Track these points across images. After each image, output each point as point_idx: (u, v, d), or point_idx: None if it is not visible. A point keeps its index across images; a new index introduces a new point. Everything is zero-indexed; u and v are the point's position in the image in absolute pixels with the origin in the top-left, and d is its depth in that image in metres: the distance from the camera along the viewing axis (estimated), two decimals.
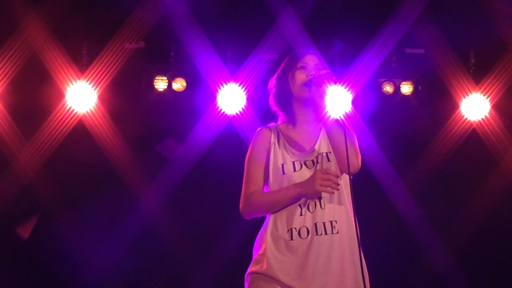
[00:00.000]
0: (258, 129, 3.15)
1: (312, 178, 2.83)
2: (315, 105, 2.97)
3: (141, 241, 5.68)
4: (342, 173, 2.97)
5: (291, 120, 3.09)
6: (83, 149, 5.49)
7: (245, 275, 3.04)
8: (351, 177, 2.96)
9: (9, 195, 5.37)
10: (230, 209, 5.82)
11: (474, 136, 5.55)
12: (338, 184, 2.83)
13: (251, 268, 3.00)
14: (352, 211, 2.98)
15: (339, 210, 2.94)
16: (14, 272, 5.59)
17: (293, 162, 2.97)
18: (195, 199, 5.83)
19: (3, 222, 5.48)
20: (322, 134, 3.06)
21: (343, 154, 2.83)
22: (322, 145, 3.03)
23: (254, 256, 3.03)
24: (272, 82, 3.17)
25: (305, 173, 2.93)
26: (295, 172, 2.95)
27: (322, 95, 2.91)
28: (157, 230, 5.62)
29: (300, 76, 3.04)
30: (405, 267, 5.80)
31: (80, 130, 5.39)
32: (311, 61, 3.08)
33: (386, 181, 5.59)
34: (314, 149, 3.01)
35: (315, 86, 2.91)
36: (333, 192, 2.84)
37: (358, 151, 2.96)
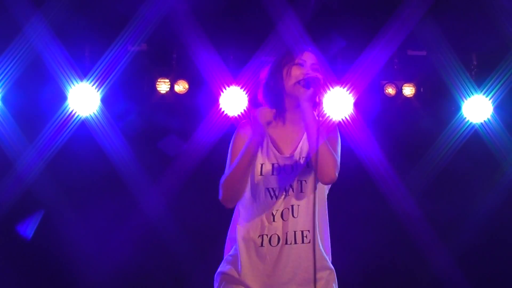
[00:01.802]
0: (243, 121, 3.03)
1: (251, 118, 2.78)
2: (301, 107, 2.84)
3: (144, 241, 5.69)
4: (318, 182, 2.86)
5: (279, 115, 2.97)
6: (86, 150, 5.50)
7: (215, 275, 3.02)
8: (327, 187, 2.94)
9: (12, 197, 5.38)
10: (232, 209, 5.84)
11: (476, 137, 5.55)
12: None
13: (221, 268, 2.98)
14: (326, 221, 2.93)
15: (312, 220, 2.82)
16: (17, 273, 5.60)
17: (273, 165, 2.88)
18: (197, 200, 5.83)
19: (6, 223, 5.49)
20: (305, 135, 2.94)
21: (319, 163, 2.72)
22: (304, 148, 2.92)
23: (225, 254, 3.01)
24: (265, 74, 3.04)
25: (283, 178, 2.85)
26: (272, 176, 2.87)
27: (314, 98, 2.84)
28: (159, 231, 5.62)
29: (295, 73, 2.90)
30: (407, 267, 5.79)
31: (82, 132, 5.40)
32: (309, 59, 2.94)
33: (388, 182, 5.59)
34: (295, 153, 2.90)
35: (308, 87, 2.82)
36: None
37: (338, 161, 2.84)
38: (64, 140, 5.38)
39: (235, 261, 2.92)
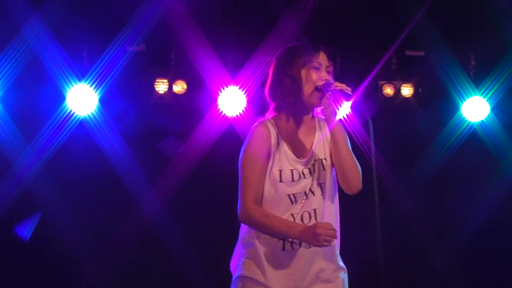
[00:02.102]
0: (256, 124, 2.92)
1: (313, 232, 2.70)
2: (329, 118, 2.84)
3: (142, 242, 5.68)
4: (336, 186, 2.91)
5: (290, 114, 2.92)
6: (84, 151, 5.50)
7: (233, 279, 2.98)
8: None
9: (10, 198, 5.37)
10: (231, 210, 5.84)
11: (474, 138, 5.56)
12: (334, 238, 2.75)
13: (241, 272, 2.92)
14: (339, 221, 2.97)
15: (332, 222, 2.85)
16: (15, 274, 5.60)
17: (292, 171, 2.84)
18: (196, 201, 5.84)
19: (4, 224, 5.48)
20: (318, 135, 2.96)
21: (346, 174, 2.81)
22: (318, 150, 2.92)
23: (239, 259, 2.96)
24: (276, 70, 2.94)
25: (303, 182, 2.84)
26: (293, 182, 2.84)
27: (336, 112, 2.83)
28: (158, 231, 5.62)
29: (313, 77, 2.86)
30: (405, 268, 5.80)
31: (81, 132, 5.40)
32: (324, 61, 2.90)
33: (386, 182, 5.59)
34: (310, 156, 2.89)
35: (326, 96, 2.81)
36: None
37: (360, 170, 2.89)
38: (63, 141, 5.38)
39: (257, 265, 2.89)
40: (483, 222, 5.65)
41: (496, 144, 5.55)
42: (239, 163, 2.92)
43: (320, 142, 2.94)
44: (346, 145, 2.84)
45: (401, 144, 5.85)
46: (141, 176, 5.55)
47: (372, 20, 5.32)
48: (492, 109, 5.52)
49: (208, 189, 5.86)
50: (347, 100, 2.80)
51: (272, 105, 2.98)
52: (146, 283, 5.86)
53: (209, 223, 5.81)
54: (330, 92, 2.79)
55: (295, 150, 2.89)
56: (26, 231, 5.62)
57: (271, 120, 2.92)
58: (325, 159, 2.91)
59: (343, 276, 2.95)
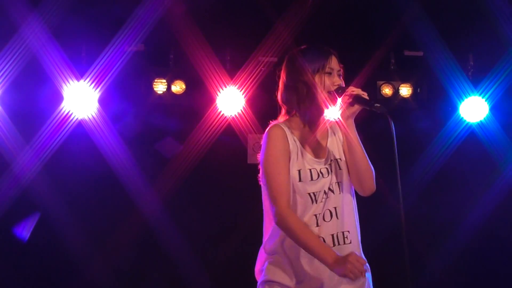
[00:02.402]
0: (270, 127, 2.93)
1: (345, 261, 2.68)
2: (347, 123, 2.89)
3: (140, 242, 5.68)
4: (352, 187, 2.96)
5: (305, 119, 2.95)
6: (82, 151, 5.50)
7: (258, 284, 2.97)
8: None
9: (9, 198, 5.37)
10: (230, 210, 5.85)
11: (473, 138, 5.56)
12: (362, 273, 2.73)
13: (268, 277, 2.92)
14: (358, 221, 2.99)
15: (351, 221, 2.92)
16: (14, 274, 5.59)
17: (310, 170, 2.88)
18: (194, 201, 5.84)
19: (2, 224, 5.48)
20: (331, 136, 3.02)
21: (360, 176, 2.86)
22: (333, 149, 2.98)
23: (263, 264, 2.95)
24: (292, 75, 2.97)
25: (322, 181, 2.88)
26: (312, 181, 2.88)
27: (354, 115, 2.88)
28: (156, 231, 5.62)
29: (327, 83, 2.92)
30: (403, 269, 5.79)
31: (79, 132, 5.40)
32: (335, 65, 2.97)
33: (385, 182, 5.58)
34: (327, 155, 2.95)
35: (353, 103, 2.86)
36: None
37: (373, 172, 2.94)
38: (61, 141, 5.38)
39: (282, 269, 2.89)
40: (481, 223, 5.65)
41: (495, 144, 5.55)
42: (262, 168, 2.92)
43: (334, 143, 3.01)
44: (360, 147, 2.89)
45: (399, 144, 5.84)
46: (140, 176, 5.54)
47: (371, 20, 5.32)
48: (491, 109, 5.52)
49: (206, 189, 5.87)
50: (366, 105, 2.85)
51: (284, 109, 3.03)
52: (144, 284, 5.86)
53: (207, 223, 5.82)
54: (344, 96, 2.85)
55: (312, 151, 2.94)
56: (24, 231, 5.62)
57: (285, 123, 2.97)
58: (340, 159, 2.98)
59: (367, 275, 2.96)
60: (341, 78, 2.98)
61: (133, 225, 5.56)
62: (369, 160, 2.90)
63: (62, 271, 5.63)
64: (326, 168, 2.91)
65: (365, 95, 2.87)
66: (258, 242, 3.07)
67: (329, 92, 2.90)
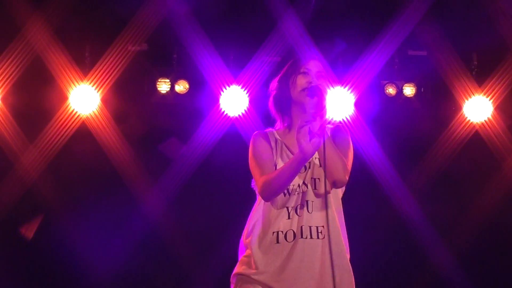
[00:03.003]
0: (255, 132, 3.12)
1: (297, 138, 2.77)
2: (312, 114, 2.91)
3: (144, 243, 5.68)
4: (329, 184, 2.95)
5: (288, 124, 3.07)
6: (86, 151, 5.50)
7: (231, 277, 3.06)
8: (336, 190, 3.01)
9: (13, 197, 5.38)
10: (233, 210, 5.84)
11: (477, 138, 5.55)
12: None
13: (237, 270, 3.01)
14: (342, 220, 3.01)
15: (326, 216, 2.92)
16: (18, 274, 5.60)
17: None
18: (198, 201, 5.84)
19: (7, 223, 5.48)
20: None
21: (328, 165, 2.84)
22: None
23: (240, 257, 3.05)
24: (274, 85, 3.12)
25: (296, 177, 2.92)
26: None
27: (320, 106, 2.91)
28: (160, 231, 5.62)
29: (301, 81, 2.99)
30: (408, 268, 5.79)
31: (83, 132, 5.40)
32: (314, 67, 3.02)
33: (389, 183, 5.58)
34: None
35: (313, 95, 2.90)
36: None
37: (349, 164, 2.96)
38: (65, 140, 5.38)
39: (249, 261, 2.97)
40: (485, 222, 5.63)
41: (499, 144, 5.54)
42: (250, 165, 3.05)
43: None
44: (326, 145, 2.83)
45: (403, 144, 5.84)
46: (143, 176, 5.55)
47: (375, 19, 5.31)
48: (495, 109, 5.51)
49: (210, 189, 5.86)
50: (326, 92, 2.90)
51: (276, 120, 3.14)
52: (148, 284, 5.86)
53: (211, 224, 5.81)
54: (314, 93, 2.90)
55: (293, 147, 2.98)
56: (28, 231, 5.62)
57: (271, 131, 3.10)
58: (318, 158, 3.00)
59: (348, 281, 2.96)
60: (322, 79, 2.99)
61: (136, 225, 5.56)
62: (339, 153, 2.89)
63: (65, 272, 5.63)
64: (305, 165, 2.93)
65: (322, 86, 2.92)
66: None
67: (301, 89, 2.97)
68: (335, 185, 2.90)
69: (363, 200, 5.69)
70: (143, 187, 5.57)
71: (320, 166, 2.95)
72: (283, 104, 3.04)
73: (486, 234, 5.69)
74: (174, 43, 5.47)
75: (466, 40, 5.40)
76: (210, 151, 5.53)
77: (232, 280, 3.04)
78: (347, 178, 2.90)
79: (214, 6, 5.07)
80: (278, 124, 3.13)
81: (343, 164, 2.88)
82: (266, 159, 3.00)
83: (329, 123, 2.99)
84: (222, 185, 5.83)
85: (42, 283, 5.70)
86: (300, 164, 2.82)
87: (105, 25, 5.16)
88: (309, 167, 2.96)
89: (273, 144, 3.04)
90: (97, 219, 5.64)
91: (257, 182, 2.95)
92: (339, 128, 3.06)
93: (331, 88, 2.94)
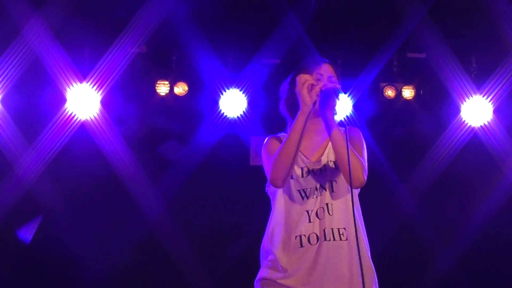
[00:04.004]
0: (269, 136, 3.10)
1: (300, 93, 2.84)
2: (324, 116, 2.92)
3: (143, 244, 5.69)
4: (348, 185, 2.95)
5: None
6: (85, 153, 5.50)
7: (255, 282, 3.03)
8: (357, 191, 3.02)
9: (12, 199, 5.38)
10: (232, 212, 5.85)
11: (475, 140, 5.55)
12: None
13: (261, 274, 2.99)
14: (361, 221, 3.02)
15: (347, 218, 2.94)
16: (17, 275, 5.60)
17: (302, 169, 2.98)
18: (197, 202, 5.84)
19: (5, 225, 5.48)
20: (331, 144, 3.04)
21: (345, 166, 2.84)
22: (331, 154, 3.02)
23: (263, 262, 3.03)
24: (285, 88, 3.11)
25: (312, 179, 2.96)
26: (302, 178, 2.97)
27: (331, 108, 2.90)
28: (159, 233, 5.62)
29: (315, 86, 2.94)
30: (408, 269, 5.79)
31: (82, 134, 5.40)
32: (326, 72, 3.00)
33: (387, 184, 5.59)
34: (322, 158, 3.01)
35: (327, 98, 2.87)
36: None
37: (365, 164, 2.96)
38: (64, 143, 5.38)
39: (275, 266, 2.96)
40: (484, 225, 5.64)
41: (498, 146, 5.54)
42: (263, 162, 3.03)
43: (332, 149, 3.02)
44: (341, 146, 2.85)
45: (402, 146, 5.85)
46: (143, 178, 5.55)
47: (374, 22, 5.32)
48: (494, 111, 5.51)
49: (209, 191, 5.87)
50: (338, 96, 2.86)
51: (288, 123, 3.11)
52: (148, 285, 5.86)
53: (210, 225, 5.81)
54: (328, 95, 2.87)
55: (306, 151, 3.02)
56: (27, 233, 5.62)
57: (285, 134, 3.05)
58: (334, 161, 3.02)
59: (371, 279, 2.97)
60: (334, 81, 2.98)
61: (136, 227, 5.56)
62: (356, 153, 2.89)
63: (65, 273, 5.63)
64: (320, 169, 2.97)
65: (337, 88, 2.86)
66: (261, 243, 3.07)
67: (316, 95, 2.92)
68: (354, 185, 2.89)
69: (362, 202, 5.69)
70: (142, 189, 5.56)
71: (337, 168, 2.96)
72: (296, 108, 2.96)
73: (485, 236, 5.69)
74: (173, 45, 5.48)
75: (465, 43, 5.41)
76: (209, 153, 5.53)
77: (256, 285, 3.02)
78: (366, 178, 2.91)
79: (213, 9, 5.07)
80: (289, 128, 3.08)
81: (362, 164, 2.89)
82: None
83: (341, 124, 2.95)
84: (221, 187, 5.83)
85: (41, 284, 5.70)
86: (303, 115, 2.82)
87: (104, 27, 5.16)
88: (325, 170, 2.98)
89: None
90: (96, 221, 5.64)
91: (267, 169, 2.93)
92: (351, 129, 3.04)
93: (342, 92, 2.89)
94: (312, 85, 2.88)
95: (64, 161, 5.48)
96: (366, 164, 2.96)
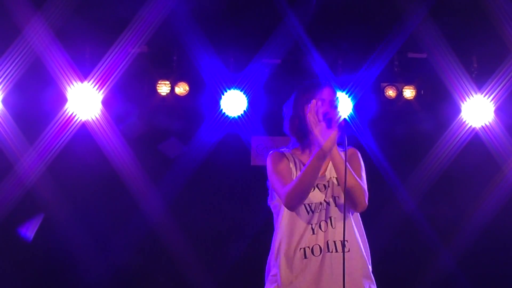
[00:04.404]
0: (272, 151, 3.22)
1: (315, 132, 2.91)
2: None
3: (144, 243, 5.69)
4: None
5: (305, 147, 3.17)
6: (86, 152, 5.51)
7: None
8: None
9: (13, 199, 5.38)
10: (233, 211, 5.85)
11: (476, 139, 5.55)
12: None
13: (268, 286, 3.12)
14: (361, 232, 3.15)
15: (349, 231, 3.07)
16: (18, 275, 5.61)
17: None
18: (198, 201, 5.84)
19: (7, 225, 5.49)
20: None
21: (348, 194, 2.98)
22: (333, 170, 3.14)
23: (267, 277, 3.15)
24: (289, 108, 3.21)
25: (317, 195, 3.09)
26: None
27: (336, 140, 2.98)
28: (160, 233, 5.63)
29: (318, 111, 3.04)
30: (408, 269, 5.79)
31: (83, 133, 5.41)
32: (328, 95, 3.09)
33: (388, 184, 5.59)
34: (325, 175, 3.14)
35: (329, 127, 2.96)
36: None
37: (365, 187, 3.08)
38: (65, 142, 5.39)
39: (280, 279, 3.07)
40: (485, 224, 5.64)
41: (498, 146, 5.54)
42: (270, 182, 3.15)
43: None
44: (342, 169, 2.99)
45: (403, 146, 5.85)
46: (143, 178, 5.55)
47: (375, 22, 5.32)
48: (495, 111, 5.51)
49: (210, 191, 5.87)
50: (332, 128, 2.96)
51: (291, 140, 3.24)
52: (148, 285, 5.86)
53: (210, 225, 5.82)
54: (331, 124, 2.96)
55: None
56: (28, 232, 5.63)
57: (289, 152, 3.20)
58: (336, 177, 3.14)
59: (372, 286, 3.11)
60: (334, 108, 3.05)
61: (136, 226, 5.57)
62: (357, 179, 3.03)
63: (65, 272, 5.64)
64: (324, 184, 3.11)
65: (339, 118, 2.98)
66: (262, 243, 3.08)
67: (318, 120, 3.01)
68: (356, 210, 3.07)
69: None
70: (143, 189, 5.57)
71: (339, 185, 3.10)
72: (300, 130, 3.13)
73: (486, 235, 5.69)
74: (174, 45, 5.48)
75: (466, 43, 5.41)
76: (210, 153, 5.53)
77: None
78: (367, 202, 3.05)
79: (214, 8, 5.07)
80: (292, 144, 3.22)
81: (363, 189, 3.04)
82: (287, 173, 3.10)
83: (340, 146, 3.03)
84: (221, 187, 5.84)
85: (43, 283, 5.71)
86: (320, 159, 2.90)
87: (106, 27, 5.16)
88: (329, 186, 3.11)
89: (292, 164, 3.15)
90: (97, 220, 5.65)
91: (280, 193, 3.04)
92: (351, 152, 3.16)
93: (342, 116, 3.00)
94: (329, 119, 2.94)
95: (65, 161, 5.48)
96: (366, 186, 3.09)
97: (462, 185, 5.79)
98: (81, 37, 5.27)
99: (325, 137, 2.90)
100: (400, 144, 5.85)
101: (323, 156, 2.90)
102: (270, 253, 3.16)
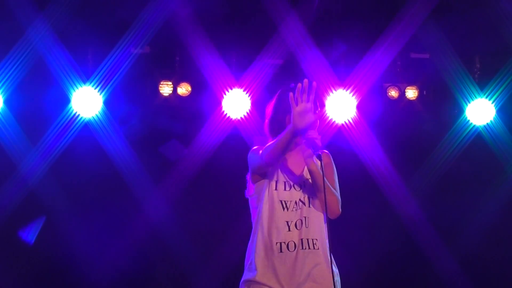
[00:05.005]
0: (255, 147, 3.37)
1: (293, 115, 3.00)
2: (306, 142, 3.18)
3: (146, 244, 5.69)
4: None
5: None
6: (89, 153, 5.51)
7: (239, 284, 3.38)
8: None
9: (15, 199, 5.39)
10: (235, 212, 5.85)
11: (479, 140, 5.55)
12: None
13: (244, 277, 3.34)
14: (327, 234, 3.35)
15: (319, 231, 3.31)
16: (20, 276, 5.61)
17: (285, 182, 3.32)
18: (200, 202, 5.84)
19: (9, 226, 5.49)
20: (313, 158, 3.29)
21: (325, 202, 3.18)
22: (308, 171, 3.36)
23: (246, 266, 3.36)
24: (269, 110, 3.39)
25: (293, 193, 3.31)
26: (285, 191, 3.32)
27: (312, 155, 3.20)
28: (162, 233, 5.63)
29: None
30: (409, 270, 5.79)
31: (85, 134, 5.41)
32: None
33: (391, 185, 5.58)
34: (302, 174, 3.35)
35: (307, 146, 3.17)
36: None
37: (338, 195, 3.32)
38: (67, 143, 5.40)
39: (257, 268, 3.30)
40: (487, 225, 5.63)
41: (501, 146, 5.54)
42: (249, 160, 3.37)
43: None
44: (320, 179, 3.22)
45: (405, 147, 5.84)
46: (145, 178, 5.55)
47: (377, 22, 5.32)
48: (497, 111, 5.51)
49: (212, 192, 5.87)
50: (314, 151, 3.13)
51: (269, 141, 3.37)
52: (150, 285, 5.86)
53: (213, 225, 5.82)
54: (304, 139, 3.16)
55: (290, 169, 3.37)
56: (30, 233, 5.63)
57: None
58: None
59: (336, 278, 3.31)
60: (315, 113, 3.10)
61: (138, 227, 5.57)
62: (332, 188, 3.28)
63: (68, 273, 5.64)
64: (300, 184, 3.32)
65: (318, 139, 3.13)
66: None
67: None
68: (331, 217, 3.31)
69: (365, 202, 5.70)
70: (146, 190, 5.57)
71: (313, 186, 3.30)
72: (278, 132, 3.21)
73: (489, 235, 5.69)
74: (176, 45, 5.48)
75: (468, 43, 5.40)
76: (212, 154, 5.53)
77: (241, 286, 3.37)
78: (340, 210, 3.31)
79: (216, 9, 5.08)
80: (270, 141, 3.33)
81: (337, 201, 3.30)
82: None
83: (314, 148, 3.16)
84: (224, 188, 5.83)
85: (45, 285, 5.71)
86: (289, 134, 3.01)
87: (108, 28, 5.17)
88: (304, 186, 3.32)
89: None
90: (99, 221, 5.65)
91: (258, 156, 3.23)
92: (326, 161, 3.32)
93: (320, 121, 3.18)
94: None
95: (68, 162, 5.49)
96: (339, 193, 3.34)
97: (465, 185, 5.79)
98: (83, 38, 5.28)
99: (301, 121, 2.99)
100: (403, 145, 5.84)
101: (291, 133, 3.00)
102: (249, 243, 3.37)
